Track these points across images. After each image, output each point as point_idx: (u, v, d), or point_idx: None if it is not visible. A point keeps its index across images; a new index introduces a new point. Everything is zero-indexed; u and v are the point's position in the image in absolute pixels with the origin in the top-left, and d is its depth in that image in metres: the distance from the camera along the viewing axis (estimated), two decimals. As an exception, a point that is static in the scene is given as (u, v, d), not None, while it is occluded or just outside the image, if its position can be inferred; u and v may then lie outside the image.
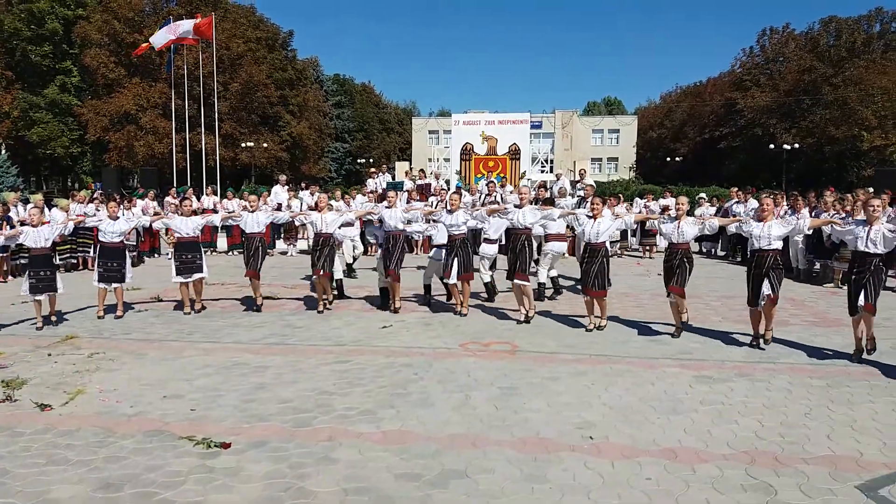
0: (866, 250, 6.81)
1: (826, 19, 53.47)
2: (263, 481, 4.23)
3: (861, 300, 6.81)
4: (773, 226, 7.46)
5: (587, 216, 8.57)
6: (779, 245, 7.48)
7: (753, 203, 14.65)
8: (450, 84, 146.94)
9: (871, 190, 14.27)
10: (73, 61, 43.11)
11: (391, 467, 4.43)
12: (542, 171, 27.53)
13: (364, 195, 17.28)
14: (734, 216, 11.39)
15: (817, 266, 12.75)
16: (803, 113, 50.96)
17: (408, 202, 14.79)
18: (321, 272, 9.46)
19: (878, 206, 6.91)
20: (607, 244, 8.55)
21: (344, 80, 74.50)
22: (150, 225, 10.54)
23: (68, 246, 14.26)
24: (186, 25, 27.41)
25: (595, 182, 21.94)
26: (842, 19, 52.66)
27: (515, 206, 9.30)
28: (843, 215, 11.24)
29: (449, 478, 4.27)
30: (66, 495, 4.05)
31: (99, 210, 14.16)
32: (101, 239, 9.54)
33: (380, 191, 17.78)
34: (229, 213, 11.55)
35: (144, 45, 28.85)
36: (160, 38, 27.42)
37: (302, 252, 17.31)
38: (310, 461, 4.53)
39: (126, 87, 41.19)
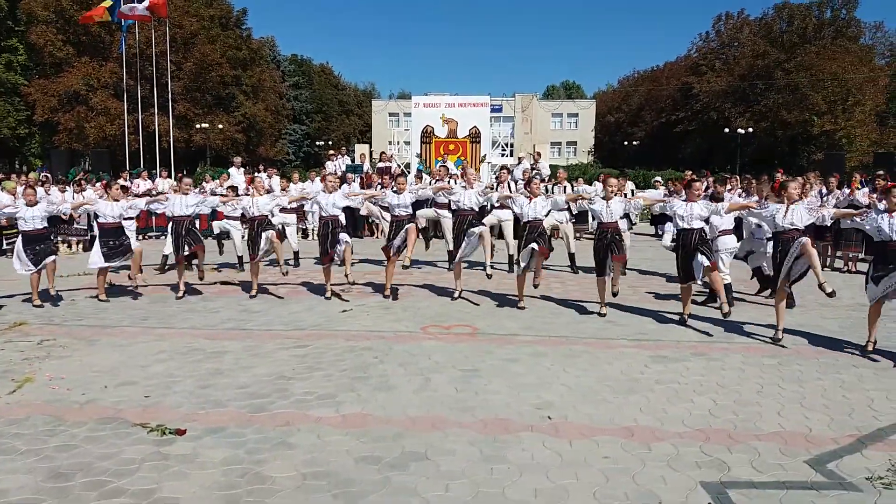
0: (785, 227, 7.01)
1: (780, 5, 54.48)
2: (220, 467, 4.17)
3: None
4: (696, 206, 7.73)
5: (525, 197, 8.73)
6: (700, 224, 7.73)
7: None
8: (409, 66, 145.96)
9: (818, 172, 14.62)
10: (19, 39, 41.54)
11: (351, 451, 4.41)
12: (503, 155, 27.53)
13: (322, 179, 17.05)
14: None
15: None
16: (757, 97, 52.02)
17: (362, 185, 14.68)
18: (255, 258, 9.37)
19: (795, 187, 7.19)
20: (545, 222, 8.81)
21: (302, 60, 73.27)
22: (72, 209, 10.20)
23: (16, 230, 13.80)
24: (141, 7, 26.70)
25: (552, 166, 22.07)
26: (794, 5, 53.71)
27: (462, 188, 9.47)
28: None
29: (409, 460, 4.27)
30: (15, 485, 3.93)
31: (49, 193, 13.79)
32: (21, 228, 9.08)
33: (339, 173, 17.58)
34: (155, 196, 11.02)
35: (97, 10, 27.61)
36: (121, 8, 26.54)
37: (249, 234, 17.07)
38: (267, 446, 4.48)
39: (75, 66, 39.88)
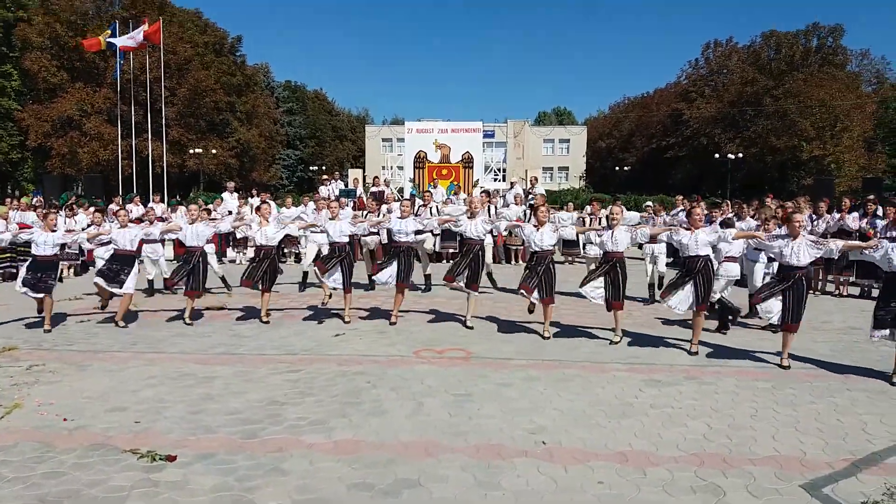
0: (790, 263, 7.01)
1: (767, 33, 55.44)
2: (210, 494, 4.11)
3: (777, 318, 7.03)
4: (700, 234, 7.65)
5: (532, 225, 8.67)
6: (707, 251, 7.65)
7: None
8: (403, 92, 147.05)
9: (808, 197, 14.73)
10: (14, 65, 41.72)
11: (343, 478, 4.36)
12: (495, 180, 27.70)
13: (315, 202, 17.05)
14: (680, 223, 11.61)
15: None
16: (746, 123, 52.64)
17: (355, 210, 14.69)
18: (261, 286, 9.26)
19: (801, 221, 7.15)
20: (553, 251, 8.68)
21: (295, 86, 73.81)
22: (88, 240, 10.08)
23: (8, 255, 13.76)
24: (138, 35, 26.98)
25: (546, 191, 22.19)
26: (781, 34, 54.60)
27: (468, 217, 9.31)
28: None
29: (402, 487, 4.23)
30: (1, 514, 3.88)
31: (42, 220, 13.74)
32: (34, 252, 8.97)
33: (332, 198, 17.61)
34: (169, 226, 10.87)
35: (93, 41, 27.79)
36: (121, 41, 26.81)
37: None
38: (259, 473, 4.42)
39: (69, 92, 40.05)
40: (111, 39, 27.21)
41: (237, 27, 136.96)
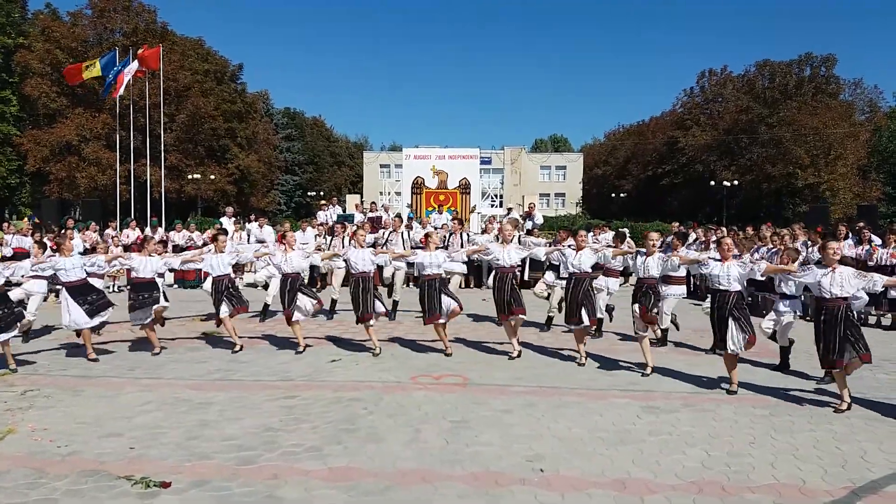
0: (832, 295, 6.46)
1: (761, 62, 56.05)
2: (205, 522, 4.07)
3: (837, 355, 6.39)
4: (733, 266, 7.18)
5: (571, 249, 8.62)
6: (738, 287, 7.19)
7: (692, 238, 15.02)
8: (401, 119, 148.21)
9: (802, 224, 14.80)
10: (13, 90, 41.97)
11: (339, 505, 4.32)
12: (493, 206, 27.87)
13: (314, 227, 17.10)
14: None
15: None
16: (741, 151, 53.01)
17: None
18: (291, 313, 9.13)
19: (836, 248, 6.63)
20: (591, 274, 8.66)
21: (294, 113, 74.31)
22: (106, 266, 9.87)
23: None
24: (132, 66, 27.23)
25: (544, 216, 22.27)
26: (775, 63, 55.21)
27: (500, 245, 9.15)
28: (772, 247, 11.63)
29: (398, 514, 4.19)
30: (-8, 542, 3.83)
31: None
32: (63, 280, 8.62)
33: (330, 223, 17.65)
34: (191, 256, 10.54)
35: (74, 71, 27.85)
36: (120, 76, 27.02)
37: (248, 285, 16.95)
38: (254, 500, 4.38)
39: (68, 118, 40.29)
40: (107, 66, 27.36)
41: (238, 55, 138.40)
